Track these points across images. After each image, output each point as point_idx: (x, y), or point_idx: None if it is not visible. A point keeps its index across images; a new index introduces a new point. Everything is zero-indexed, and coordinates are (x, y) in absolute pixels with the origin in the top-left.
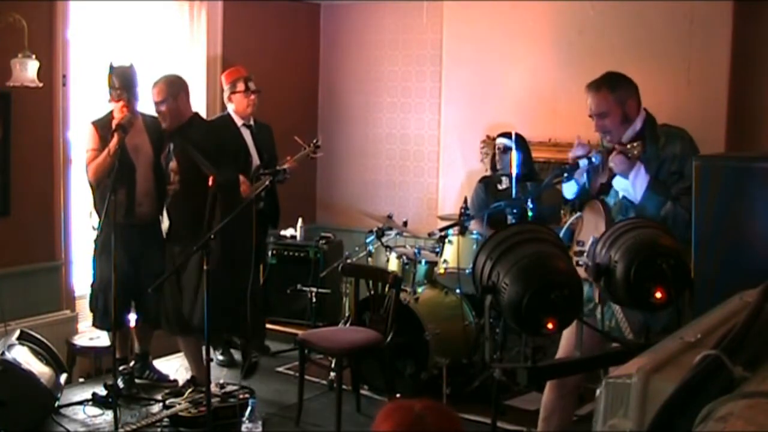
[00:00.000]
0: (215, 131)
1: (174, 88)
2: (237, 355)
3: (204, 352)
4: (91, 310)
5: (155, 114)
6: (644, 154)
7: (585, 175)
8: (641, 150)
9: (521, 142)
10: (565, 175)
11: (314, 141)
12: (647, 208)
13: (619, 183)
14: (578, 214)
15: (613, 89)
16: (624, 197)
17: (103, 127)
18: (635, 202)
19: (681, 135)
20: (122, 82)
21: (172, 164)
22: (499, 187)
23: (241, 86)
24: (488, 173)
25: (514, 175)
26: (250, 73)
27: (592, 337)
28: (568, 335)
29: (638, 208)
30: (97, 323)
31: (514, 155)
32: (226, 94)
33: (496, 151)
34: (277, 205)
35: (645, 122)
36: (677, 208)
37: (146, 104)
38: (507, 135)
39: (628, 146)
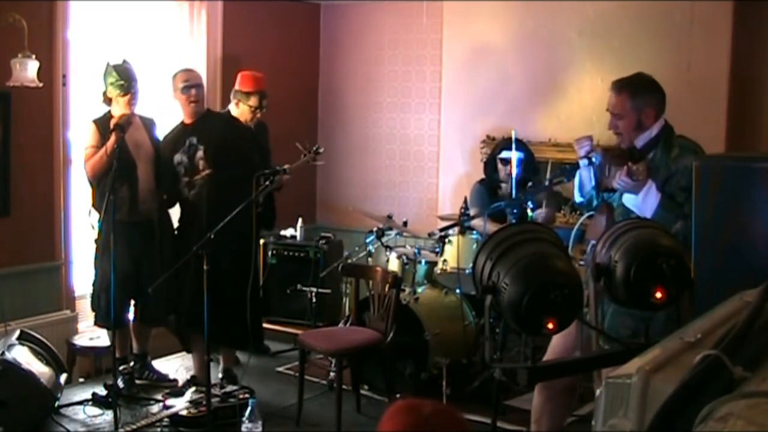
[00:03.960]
0: (231, 127)
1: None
2: (242, 357)
3: (206, 353)
4: (93, 309)
5: (149, 116)
6: (653, 161)
7: (591, 170)
8: (646, 175)
9: (523, 146)
10: (565, 176)
11: (315, 147)
12: None
13: (628, 200)
14: (589, 212)
15: (634, 95)
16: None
17: (103, 125)
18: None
19: (695, 149)
20: (128, 77)
21: (200, 154)
22: (499, 192)
23: (254, 102)
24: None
25: (514, 175)
26: (267, 90)
27: (576, 340)
28: (557, 337)
29: None
30: (100, 321)
31: (515, 156)
32: (235, 95)
33: (500, 163)
34: (272, 207)
35: (662, 130)
36: (690, 225)
37: (143, 104)
38: (509, 147)
39: (634, 168)
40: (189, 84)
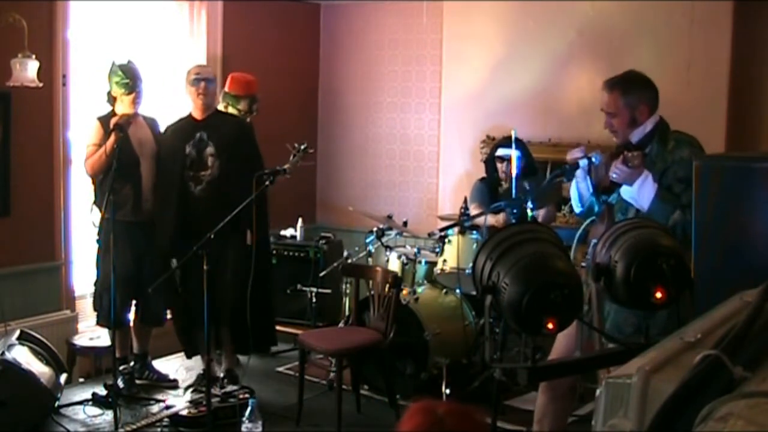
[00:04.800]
0: (244, 130)
1: None
2: (242, 357)
3: (207, 350)
4: (95, 309)
5: (152, 116)
6: (650, 153)
7: (588, 180)
8: (641, 160)
9: (521, 145)
10: (565, 175)
11: (303, 147)
12: (655, 217)
13: (625, 191)
14: (593, 218)
15: (626, 92)
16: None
17: (107, 123)
18: (642, 210)
19: (691, 141)
20: (133, 76)
21: (210, 150)
22: (500, 190)
23: (244, 106)
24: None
25: (514, 174)
26: (257, 94)
27: (576, 340)
28: (560, 337)
29: (645, 216)
30: (102, 321)
31: (514, 153)
32: (225, 98)
33: (497, 162)
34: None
35: (657, 125)
36: (687, 216)
37: (143, 104)
38: (506, 144)
39: (628, 155)
40: (199, 77)
